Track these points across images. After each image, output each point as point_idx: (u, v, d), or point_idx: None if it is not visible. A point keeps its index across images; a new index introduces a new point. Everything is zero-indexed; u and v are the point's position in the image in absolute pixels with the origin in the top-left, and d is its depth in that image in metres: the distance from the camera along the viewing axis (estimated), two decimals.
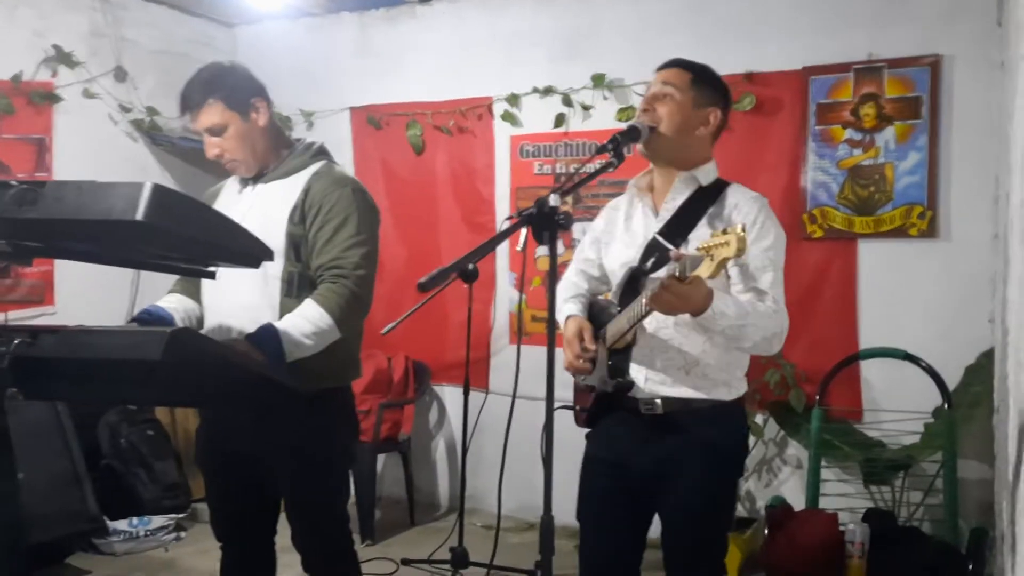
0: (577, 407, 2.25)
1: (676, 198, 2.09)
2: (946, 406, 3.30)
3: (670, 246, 2.01)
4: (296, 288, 2.23)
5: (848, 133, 3.69)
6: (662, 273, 1.99)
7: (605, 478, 2.13)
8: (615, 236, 2.20)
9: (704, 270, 1.71)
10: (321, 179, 2.27)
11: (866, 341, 3.66)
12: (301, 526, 2.33)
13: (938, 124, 3.55)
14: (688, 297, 1.80)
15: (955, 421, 3.29)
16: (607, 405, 2.12)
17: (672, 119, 2.04)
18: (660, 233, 2.06)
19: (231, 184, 2.44)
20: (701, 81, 2.08)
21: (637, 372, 2.06)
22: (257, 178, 2.33)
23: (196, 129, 2.29)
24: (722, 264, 1.69)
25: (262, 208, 2.27)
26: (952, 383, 3.36)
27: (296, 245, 2.23)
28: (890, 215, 3.63)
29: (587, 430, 2.23)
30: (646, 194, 2.15)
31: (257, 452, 2.27)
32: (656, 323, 2.02)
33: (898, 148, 3.62)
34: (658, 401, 2.04)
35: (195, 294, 2.41)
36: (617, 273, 2.15)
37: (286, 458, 2.26)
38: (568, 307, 2.23)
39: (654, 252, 2.05)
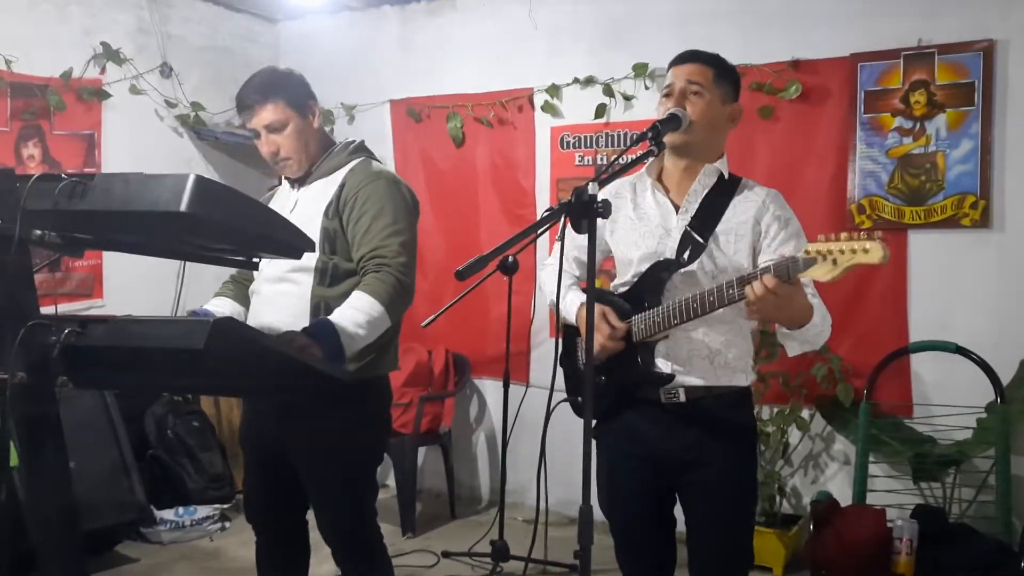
0: (579, 398, 2.21)
1: (699, 190, 2.09)
2: (999, 401, 3.22)
3: (701, 239, 2.03)
4: (329, 278, 2.26)
5: (898, 121, 3.61)
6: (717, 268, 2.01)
7: (632, 473, 2.13)
8: (620, 223, 2.16)
9: (823, 273, 1.71)
10: (356, 174, 2.31)
11: (916, 334, 3.58)
12: (325, 517, 2.35)
13: (991, 111, 3.45)
14: (792, 301, 1.81)
15: (1009, 416, 3.21)
16: (624, 399, 2.11)
17: (704, 116, 2.04)
18: (690, 226, 2.06)
19: (280, 190, 2.49)
20: (722, 76, 2.09)
21: (663, 365, 2.06)
22: (302, 181, 2.39)
23: (253, 127, 2.33)
24: (851, 269, 1.69)
25: (303, 207, 2.33)
26: (1006, 377, 3.28)
27: (331, 240, 2.27)
28: (941, 205, 3.54)
29: (594, 431, 2.20)
30: (657, 183, 2.13)
31: (289, 439, 2.30)
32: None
33: (950, 136, 3.53)
34: (681, 390, 2.04)
35: (241, 297, 2.47)
36: (635, 263, 2.12)
37: (314, 447, 2.28)
38: (573, 295, 2.22)
39: (688, 245, 2.05)
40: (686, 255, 2.04)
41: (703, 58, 2.09)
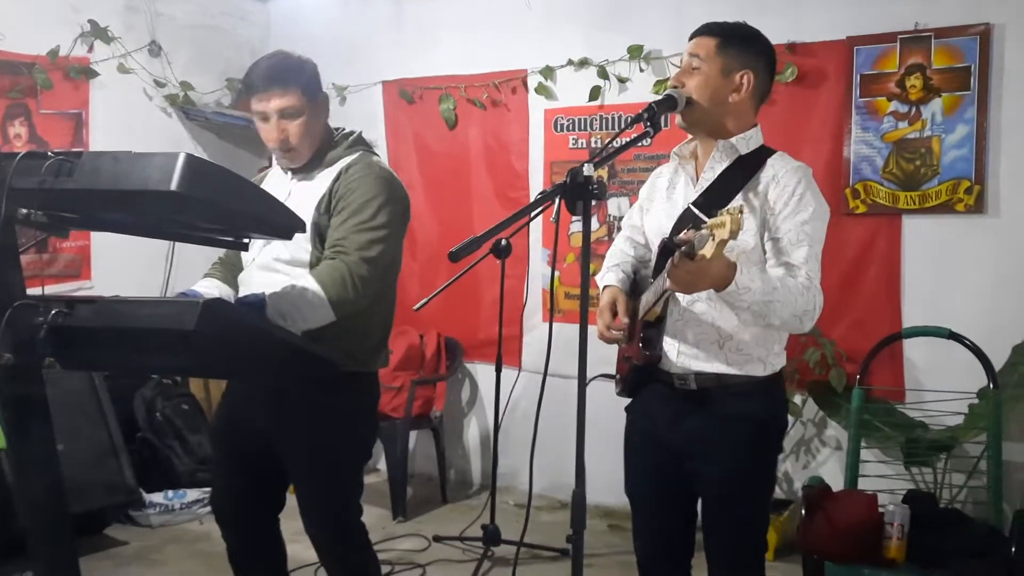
0: (617, 375, 2.22)
1: (714, 167, 2.04)
2: (991, 386, 3.22)
3: (705, 218, 1.95)
4: None
5: (893, 105, 3.59)
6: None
7: (647, 451, 2.12)
8: (655, 203, 2.17)
9: (709, 249, 1.66)
10: (351, 169, 2.27)
11: (910, 319, 3.58)
12: (310, 507, 2.32)
13: (987, 95, 3.44)
14: (703, 274, 1.75)
15: (1001, 402, 3.21)
16: (644, 376, 2.10)
17: (701, 91, 1.98)
18: (696, 203, 2.01)
19: (273, 175, 2.44)
20: (728, 44, 1.99)
21: (670, 345, 2.02)
22: (300, 170, 2.34)
23: (263, 110, 2.25)
24: (722, 245, 1.64)
25: (298, 198, 2.27)
26: (998, 363, 3.28)
27: (321, 234, 2.23)
28: (936, 190, 3.53)
29: (625, 406, 2.21)
30: (688, 162, 2.10)
31: (272, 430, 2.27)
32: (690, 296, 1.98)
33: (945, 120, 3.51)
34: (691, 376, 2.00)
35: (230, 280, 2.43)
36: (653, 242, 2.12)
37: (305, 435, 2.25)
38: (608, 276, 2.20)
39: (688, 223, 2.00)
40: (681, 234, 2.01)
41: (709, 29, 2.02)
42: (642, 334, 2.05)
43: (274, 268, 2.25)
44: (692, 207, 2.01)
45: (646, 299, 2.02)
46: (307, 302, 2.06)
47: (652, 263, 2.11)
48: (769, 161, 2.01)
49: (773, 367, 2.03)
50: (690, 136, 2.11)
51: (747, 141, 2.03)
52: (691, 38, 2.05)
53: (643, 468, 2.13)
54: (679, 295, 1.97)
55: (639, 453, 2.14)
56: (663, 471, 2.09)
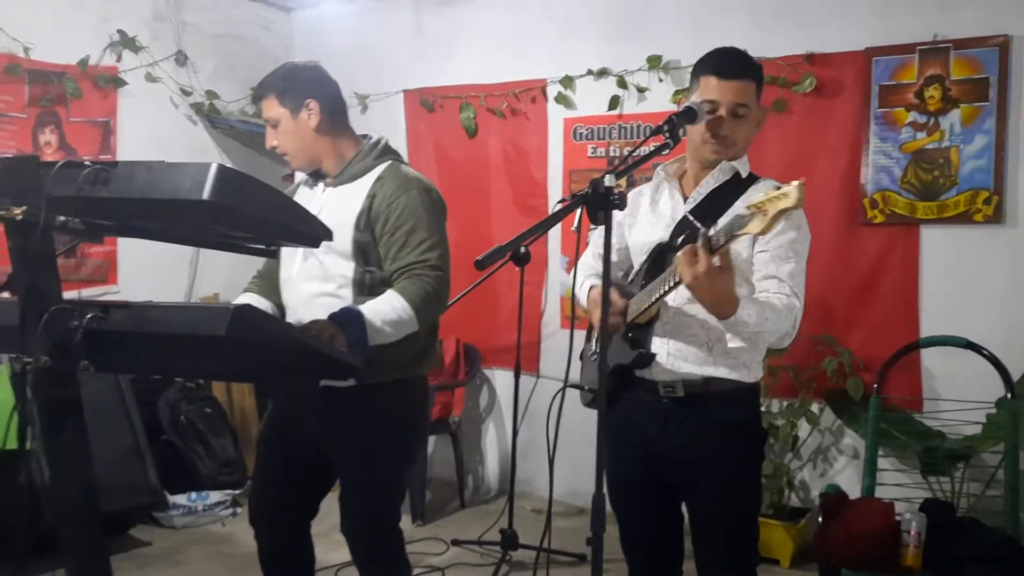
0: (586, 387, 2.24)
1: (711, 184, 2.11)
2: (1009, 396, 3.21)
3: (700, 225, 2.01)
4: (368, 288, 2.27)
5: (912, 116, 3.60)
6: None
7: (633, 463, 2.13)
8: (639, 218, 2.22)
9: (756, 225, 1.72)
10: (385, 184, 2.30)
11: (927, 329, 3.58)
12: (352, 509, 2.34)
13: (1006, 106, 3.44)
14: (713, 279, 1.80)
15: (1018, 411, 3.20)
16: (623, 385, 2.12)
17: (748, 135, 2.10)
18: (691, 213, 2.08)
19: (302, 188, 2.49)
20: (759, 87, 2.09)
21: (660, 346, 2.06)
22: (323, 179, 2.39)
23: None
24: (778, 217, 1.71)
25: (331, 212, 2.30)
26: (1016, 372, 3.27)
27: (364, 251, 2.27)
28: (954, 200, 3.54)
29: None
30: (674, 180, 2.16)
31: (321, 436, 2.31)
32: (681, 298, 2.02)
33: (964, 131, 3.52)
34: (679, 383, 2.04)
35: (268, 294, 2.47)
36: (643, 251, 2.16)
37: (356, 438, 2.29)
38: (588, 282, 2.27)
39: (684, 230, 2.07)
40: (680, 240, 2.05)
41: (750, 74, 2.07)
42: (631, 334, 2.09)
43: (325, 293, 2.28)
44: (689, 216, 2.07)
45: (640, 301, 2.05)
46: (399, 320, 2.16)
47: (640, 271, 2.15)
48: (760, 184, 2.09)
49: (757, 375, 2.10)
50: (680, 155, 2.17)
51: (744, 165, 2.13)
52: (727, 78, 2.03)
53: (628, 479, 2.15)
54: (669, 297, 2.01)
55: (623, 465, 2.14)
56: (649, 481, 2.12)
